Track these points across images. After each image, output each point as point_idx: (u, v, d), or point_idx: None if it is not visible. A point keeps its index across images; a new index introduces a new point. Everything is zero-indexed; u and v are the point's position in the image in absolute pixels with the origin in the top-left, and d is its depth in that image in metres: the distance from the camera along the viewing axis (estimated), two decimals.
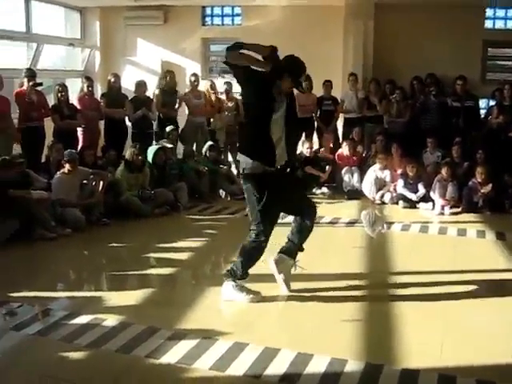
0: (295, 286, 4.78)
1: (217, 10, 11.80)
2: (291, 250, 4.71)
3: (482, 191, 7.93)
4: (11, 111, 8.05)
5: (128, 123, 9.42)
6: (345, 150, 9.33)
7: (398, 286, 5.04)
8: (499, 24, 10.68)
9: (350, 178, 9.11)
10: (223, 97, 9.93)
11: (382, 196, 8.60)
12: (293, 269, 4.77)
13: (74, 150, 7.44)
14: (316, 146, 9.80)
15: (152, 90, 9.59)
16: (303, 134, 9.79)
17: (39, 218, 6.46)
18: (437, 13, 10.07)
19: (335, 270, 5.38)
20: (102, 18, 11.84)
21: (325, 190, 9.12)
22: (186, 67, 11.32)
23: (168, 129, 9.08)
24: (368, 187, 8.73)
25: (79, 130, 8.93)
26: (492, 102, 9.81)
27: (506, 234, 6.81)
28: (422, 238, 6.87)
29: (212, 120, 9.83)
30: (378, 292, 4.94)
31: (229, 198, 8.72)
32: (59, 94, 8.58)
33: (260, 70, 4.35)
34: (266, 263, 4.72)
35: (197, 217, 7.76)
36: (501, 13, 10.60)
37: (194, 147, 9.57)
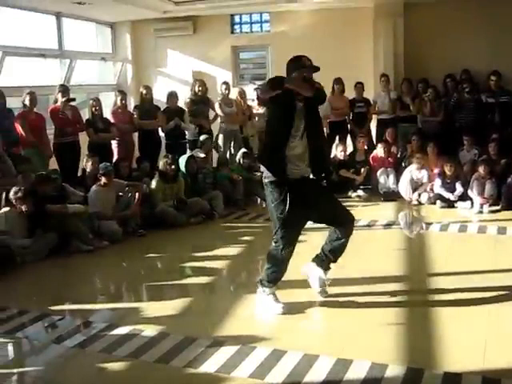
0: (332, 290, 4.73)
1: (245, 18, 11.82)
2: (322, 261, 4.63)
3: None
4: (46, 127, 8.22)
5: (161, 134, 9.51)
6: (379, 151, 9.24)
7: (438, 287, 4.94)
8: None
9: (385, 179, 9.01)
10: (254, 103, 9.94)
11: (419, 196, 8.48)
12: (321, 280, 4.68)
13: (109, 163, 7.54)
14: (350, 148, 9.74)
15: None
16: (337, 138, 9.77)
17: (75, 232, 6.56)
18: (470, 7, 9.90)
19: (373, 273, 5.30)
20: (133, 32, 12.01)
21: (360, 192, 9.03)
22: (217, 76, 11.36)
23: (202, 138, 9.12)
24: (404, 188, 8.62)
25: (114, 143, 9.07)
26: None
27: None
28: (461, 238, 6.73)
29: (244, 128, 9.86)
30: (417, 294, 4.86)
31: (264, 205, 8.69)
32: (93, 109, 8.73)
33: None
34: (303, 269, 4.71)
35: (232, 224, 7.77)
36: None
37: (228, 155, 9.62)
